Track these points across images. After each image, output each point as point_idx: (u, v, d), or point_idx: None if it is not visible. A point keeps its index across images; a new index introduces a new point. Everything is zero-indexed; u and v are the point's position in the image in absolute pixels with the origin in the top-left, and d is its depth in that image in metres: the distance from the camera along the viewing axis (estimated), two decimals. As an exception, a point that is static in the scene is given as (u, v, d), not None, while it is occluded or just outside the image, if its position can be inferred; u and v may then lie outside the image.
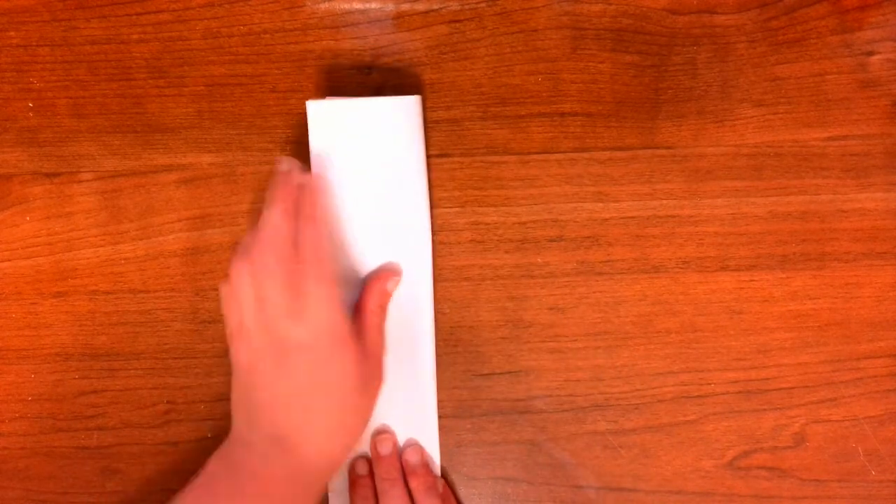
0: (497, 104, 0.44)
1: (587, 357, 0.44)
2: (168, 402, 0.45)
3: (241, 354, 0.38)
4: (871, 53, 0.44)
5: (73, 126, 0.44)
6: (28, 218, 0.45)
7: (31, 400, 0.45)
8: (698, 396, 0.44)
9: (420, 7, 0.44)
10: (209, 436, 0.45)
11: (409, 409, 0.43)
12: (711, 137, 0.44)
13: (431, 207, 0.44)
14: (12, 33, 0.44)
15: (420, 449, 0.44)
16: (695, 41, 0.44)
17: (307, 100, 0.41)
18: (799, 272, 0.44)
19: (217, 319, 0.45)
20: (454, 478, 0.44)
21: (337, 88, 0.44)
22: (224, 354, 0.44)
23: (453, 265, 0.44)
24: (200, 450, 0.45)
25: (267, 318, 0.36)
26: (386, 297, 0.42)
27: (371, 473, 0.43)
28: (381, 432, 0.43)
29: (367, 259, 0.42)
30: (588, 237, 0.44)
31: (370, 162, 0.42)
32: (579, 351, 0.44)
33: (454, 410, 0.44)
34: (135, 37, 0.44)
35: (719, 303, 0.44)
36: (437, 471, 0.44)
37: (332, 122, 0.41)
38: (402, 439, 0.44)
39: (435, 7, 0.44)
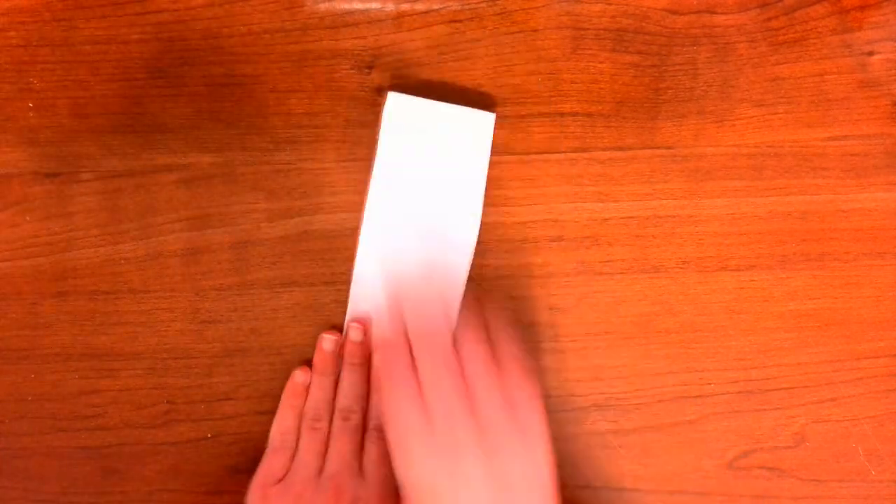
0: (497, 104, 0.44)
1: (587, 357, 0.44)
2: (168, 402, 0.45)
3: None
4: (871, 53, 0.44)
5: (73, 126, 0.44)
6: (28, 218, 0.45)
7: (31, 400, 0.45)
8: (698, 396, 0.44)
9: (420, 7, 0.44)
10: (209, 436, 0.45)
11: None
12: (711, 137, 0.44)
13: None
14: (12, 33, 0.44)
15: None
16: (695, 41, 0.44)
17: (389, 91, 0.42)
18: (799, 272, 0.44)
19: (217, 319, 0.45)
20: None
21: (337, 88, 0.44)
22: (224, 354, 0.44)
23: (453, 265, 0.44)
24: (200, 450, 0.45)
25: None
26: None
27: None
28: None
29: (411, 255, 0.43)
30: (588, 237, 0.44)
31: (434, 163, 0.43)
32: (579, 351, 0.44)
33: (454, 410, 0.44)
34: (135, 37, 0.44)
35: (719, 303, 0.44)
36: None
37: (406, 117, 0.43)
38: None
39: (435, 7, 0.44)
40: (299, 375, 0.44)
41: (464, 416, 0.36)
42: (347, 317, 0.44)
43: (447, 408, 0.37)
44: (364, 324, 0.44)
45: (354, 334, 0.43)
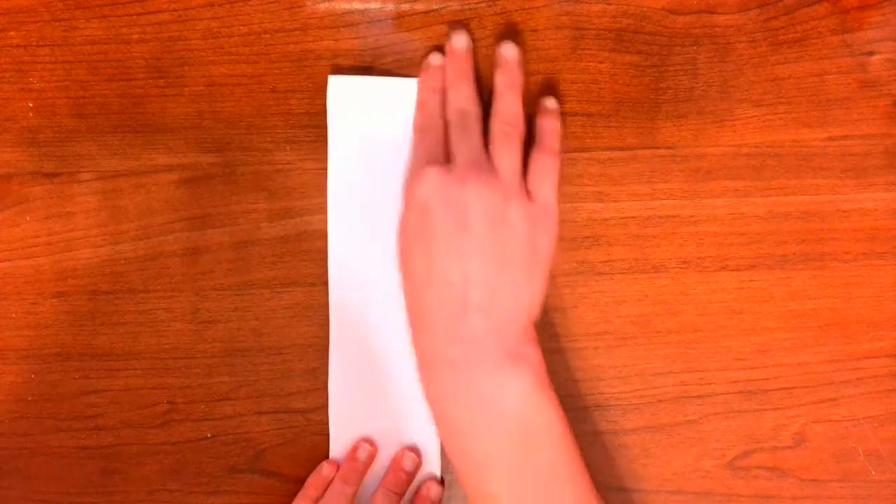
0: (497, 104, 0.44)
1: (587, 357, 0.44)
2: (168, 402, 0.45)
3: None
4: (871, 53, 0.44)
5: (73, 126, 0.44)
6: (28, 218, 0.45)
7: (31, 400, 0.45)
8: (698, 396, 0.44)
9: (420, 7, 0.44)
10: (209, 436, 0.45)
11: (407, 416, 0.44)
12: (711, 137, 0.44)
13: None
14: (12, 33, 0.44)
15: (514, 45, 0.42)
16: (695, 41, 0.44)
17: (330, 75, 0.43)
18: (799, 272, 0.44)
19: (217, 319, 0.45)
20: (454, 478, 0.44)
21: (337, 88, 0.44)
22: (224, 354, 0.44)
23: (453, 265, 0.44)
24: (200, 450, 0.45)
25: None
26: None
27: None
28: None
29: (379, 233, 0.43)
30: (588, 237, 0.44)
31: (386, 137, 0.43)
32: (579, 351, 0.44)
33: (454, 410, 0.44)
34: (135, 37, 0.44)
35: (719, 303, 0.44)
36: (438, 472, 0.44)
37: (350, 97, 0.43)
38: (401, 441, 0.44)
39: (435, 7, 0.44)
40: (326, 468, 0.43)
41: (482, 164, 0.38)
42: (332, 317, 0.44)
43: (470, 156, 0.38)
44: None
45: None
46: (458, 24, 0.43)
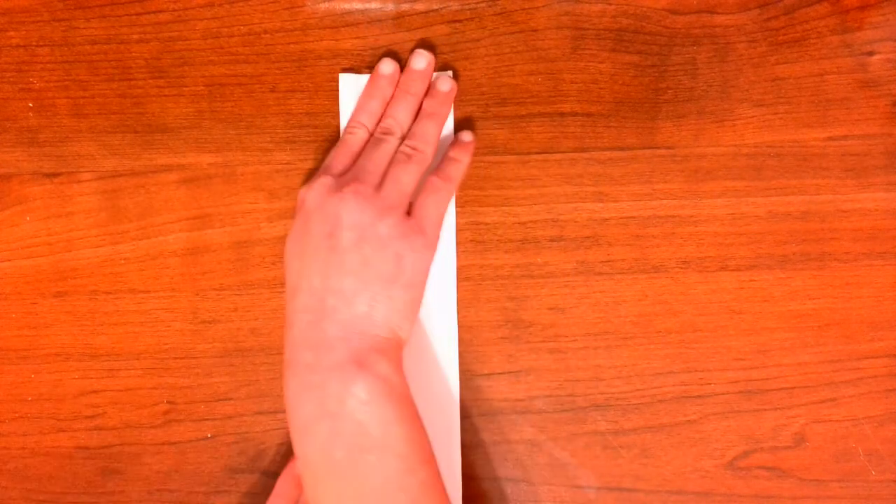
0: (497, 104, 0.44)
1: (587, 357, 0.44)
2: (168, 402, 0.45)
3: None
4: (871, 53, 0.44)
5: (73, 126, 0.44)
6: (28, 218, 0.45)
7: (31, 400, 0.45)
8: (698, 396, 0.44)
9: (420, 7, 0.44)
10: (209, 436, 0.45)
11: (431, 406, 0.43)
12: (711, 137, 0.44)
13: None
14: (12, 33, 0.44)
15: (451, 80, 0.43)
16: (695, 41, 0.44)
17: (341, 73, 0.42)
18: (799, 272, 0.44)
19: (217, 319, 0.45)
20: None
21: (337, 88, 0.44)
22: (224, 354, 0.44)
23: (453, 265, 0.44)
24: (200, 450, 0.45)
25: None
26: None
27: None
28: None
29: None
30: (588, 237, 0.44)
31: None
32: (579, 351, 0.44)
33: (454, 410, 0.44)
34: (135, 37, 0.44)
35: (719, 303, 0.44)
36: (458, 476, 0.44)
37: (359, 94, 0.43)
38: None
39: (435, 7, 0.44)
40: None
41: (366, 180, 0.39)
42: None
43: (361, 171, 0.40)
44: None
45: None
46: (425, 44, 0.44)
